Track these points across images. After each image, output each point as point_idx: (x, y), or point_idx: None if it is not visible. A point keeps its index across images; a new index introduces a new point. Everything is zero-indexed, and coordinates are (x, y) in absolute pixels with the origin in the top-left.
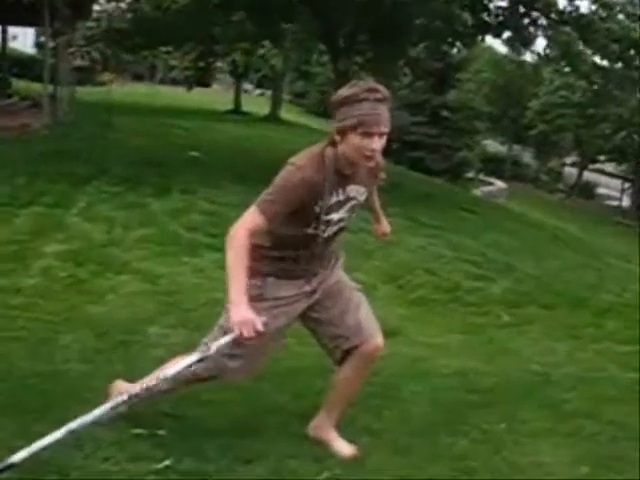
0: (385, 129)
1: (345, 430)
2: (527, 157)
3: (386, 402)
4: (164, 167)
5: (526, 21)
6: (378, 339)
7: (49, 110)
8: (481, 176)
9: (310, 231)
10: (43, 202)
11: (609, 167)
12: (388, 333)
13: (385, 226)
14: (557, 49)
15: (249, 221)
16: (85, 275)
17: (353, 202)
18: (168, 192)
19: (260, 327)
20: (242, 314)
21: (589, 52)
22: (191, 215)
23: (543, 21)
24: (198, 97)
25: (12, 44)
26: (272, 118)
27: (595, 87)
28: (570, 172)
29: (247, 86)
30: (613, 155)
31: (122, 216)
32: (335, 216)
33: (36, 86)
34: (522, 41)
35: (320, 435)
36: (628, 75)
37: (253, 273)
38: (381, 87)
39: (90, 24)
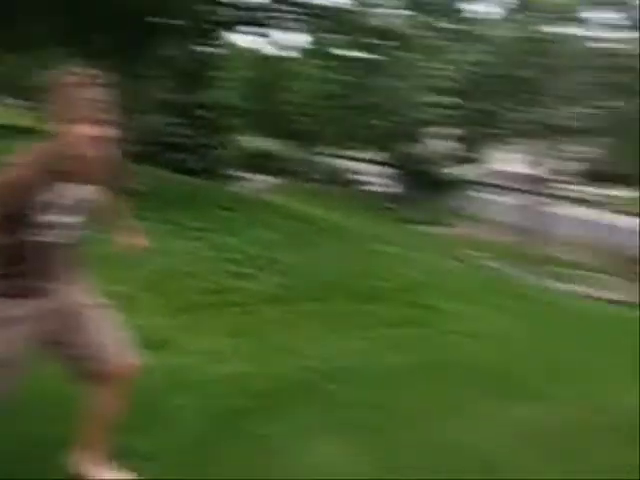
0: (101, 115)
1: (114, 455)
2: (287, 150)
3: (153, 419)
4: None
5: (274, 14)
6: (129, 358)
7: None
8: (242, 173)
9: (31, 237)
10: None
11: (367, 154)
12: (154, 345)
13: (134, 236)
14: (313, 43)
15: None
16: None
17: (81, 204)
18: None
19: None
20: None
21: (343, 44)
22: None
23: (292, 15)
24: None
25: None
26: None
27: (352, 78)
28: (329, 161)
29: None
30: (372, 143)
31: None
32: (58, 218)
33: None
34: (265, 35)
35: (85, 467)
36: (382, 65)
37: None
38: (94, 72)
39: None
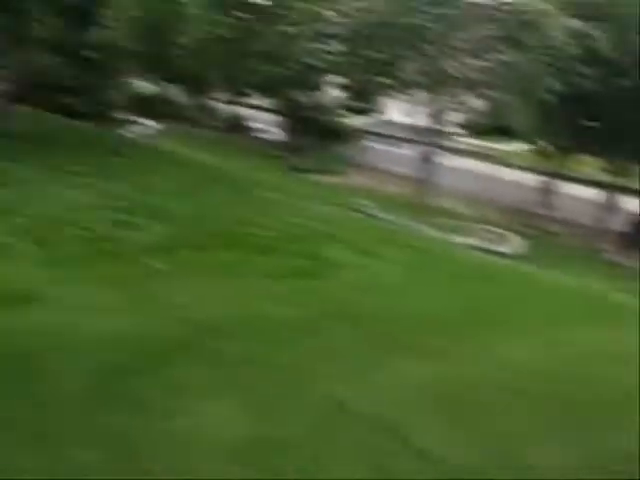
0: None
1: None
2: (179, 95)
3: (25, 383)
4: None
5: None
6: None
7: None
8: (133, 117)
9: None
10: None
11: (260, 101)
12: (26, 299)
13: None
14: None
15: None
16: None
17: None
18: None
19: None
20: None
21: None
22: None
23: None
24: None
25: None
26: None
27: (244, 23)
28: (224, 108)
29: None
30: (263, 89)
31: None
32: None
33: None
34: None
35: None
36: (272, 11)
37: None
38: None
39: None
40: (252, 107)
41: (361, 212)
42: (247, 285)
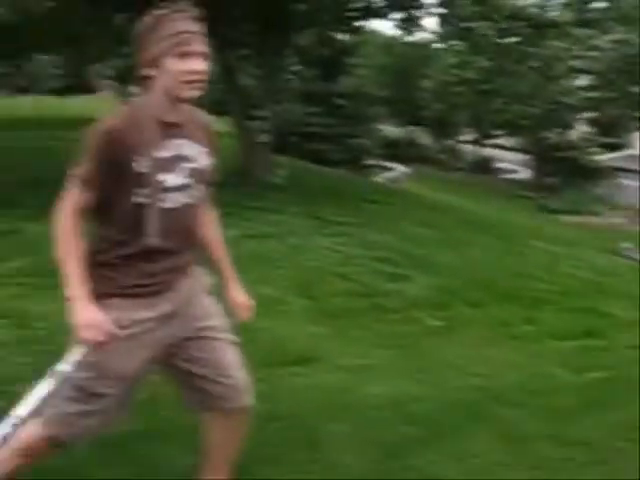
0: (205, 49)
1: None
2: (425, 138)
3: (306, 451)
4: (43, 186)
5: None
6: (246, 398)
7: None
8: (382, 162)
9: (143, 199)
10: None
11: (505, 141)
12: (303, 359)
13: (239, 292)
14: (451, 26)
15: (68, 199)
16: None
17: (189, 164)
18: (46, 214)
19: (110, 327)
20: (87, 314)
21: (485, 28)
22: None
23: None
24: (83, 105)
25: None
26: None
27: (491, 63)
28: (469, 149)
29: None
30: (508, 129)
31: None
32: (170, 178)
33: None
34: (411, 21)
35: None
36: (524, 51)
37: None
38: (190, 7)
39: None
40: (497, 147)
41: (625, 257)
42: (528, 345)
